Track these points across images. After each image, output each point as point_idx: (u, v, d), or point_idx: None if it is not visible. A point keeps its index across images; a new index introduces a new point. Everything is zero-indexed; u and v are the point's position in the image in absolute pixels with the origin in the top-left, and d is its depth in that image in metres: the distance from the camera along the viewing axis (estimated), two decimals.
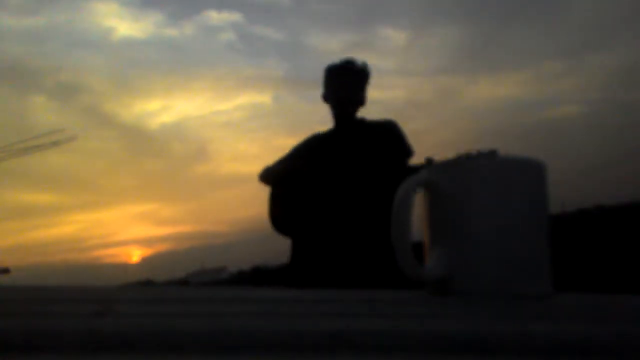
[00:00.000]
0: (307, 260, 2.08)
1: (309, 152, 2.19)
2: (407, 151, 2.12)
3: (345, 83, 2.17)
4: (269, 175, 2.22)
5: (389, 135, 2.14)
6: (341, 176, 2.06)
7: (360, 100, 2.19)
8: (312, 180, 2.09)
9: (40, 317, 0.35)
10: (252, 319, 0.34)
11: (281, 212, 2.14)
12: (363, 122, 2.18)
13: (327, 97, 2.23)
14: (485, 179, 0.59)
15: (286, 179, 2.14)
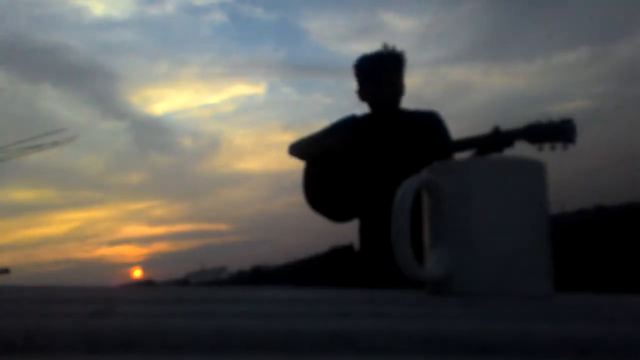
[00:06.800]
0: (376, 243, 2.01)
1: (347, 132, 2.07)
2: (448, 144, 2.00)
3: (384, 75, 2.03)
4: (303, 150, 2.12)
5: (431, 127, 2.04)
6: (382, 163, 1.99)
7: (400, 91, 2.06)
8: (351, 162, 2.01)
9: (40, 317, 0.35)
10: (252, 319, 0.34)
11: (318, 191, 2.06)
12: (403, 113, 2.08)
13: (364, 94, 2.09)
14: (485, 179, 0.59)
15: (322, 157, 2.06)
